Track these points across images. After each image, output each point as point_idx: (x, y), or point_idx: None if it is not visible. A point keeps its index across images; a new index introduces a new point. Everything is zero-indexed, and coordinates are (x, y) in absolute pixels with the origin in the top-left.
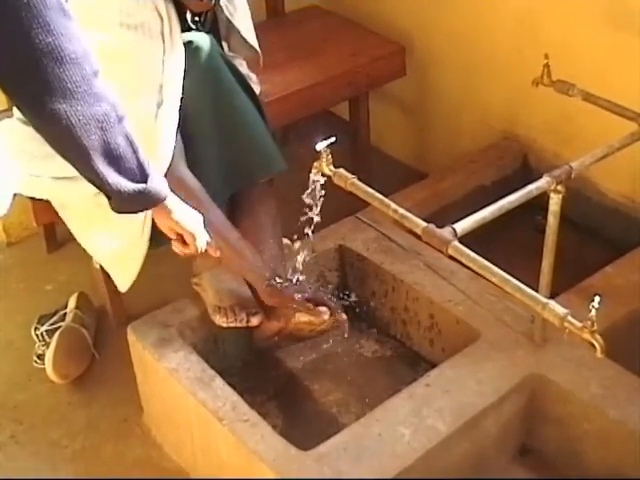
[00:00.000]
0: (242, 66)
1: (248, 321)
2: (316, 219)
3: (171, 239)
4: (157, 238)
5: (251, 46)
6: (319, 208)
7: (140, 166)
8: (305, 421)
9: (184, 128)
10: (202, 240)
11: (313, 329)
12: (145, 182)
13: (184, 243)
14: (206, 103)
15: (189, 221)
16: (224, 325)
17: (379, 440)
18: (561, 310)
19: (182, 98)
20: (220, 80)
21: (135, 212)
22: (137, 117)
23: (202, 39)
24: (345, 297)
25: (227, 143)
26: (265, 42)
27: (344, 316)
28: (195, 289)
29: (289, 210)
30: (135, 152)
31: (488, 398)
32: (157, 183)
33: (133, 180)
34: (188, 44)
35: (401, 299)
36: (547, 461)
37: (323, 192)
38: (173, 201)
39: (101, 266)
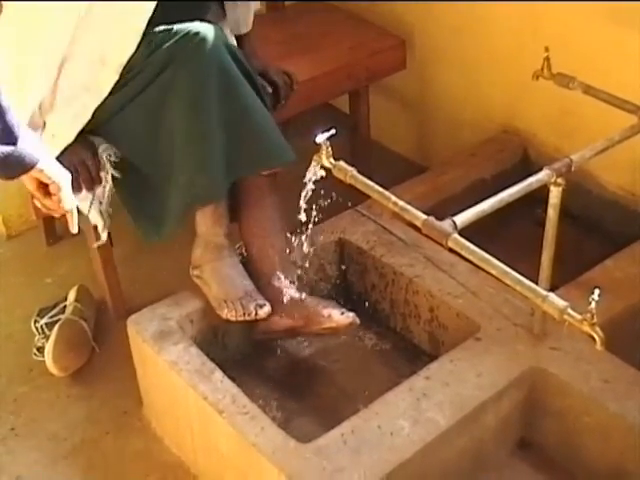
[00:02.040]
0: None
1: (257, 314)
2: (303, 218)
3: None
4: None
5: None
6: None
7: (8, 128)
8: (305, 414)
9: (191, 117)
10: (67, 195)
11: (333, 332)
12: (14, 144)
13: (47, 194)
14: (212, 93)
15: (55, 171)
16: (232, 319)
17: (379, 433)
18: (561, 303)
19: (190, 88)
20: (226, 70)
21: (12, 177)
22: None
23: (208, 29)
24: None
25: (234, 132)
26: (264, 35)
27: (358, 320)
28: (195, 281)
29: (288, 203)
30: (3, 115)
31: (487, 391)
32: (28, 146)
33: (1, 142)
34: (194, 35)
35: (401, 292)
36: (546, 454)
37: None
38: (44, 159)
39: (101, 258)
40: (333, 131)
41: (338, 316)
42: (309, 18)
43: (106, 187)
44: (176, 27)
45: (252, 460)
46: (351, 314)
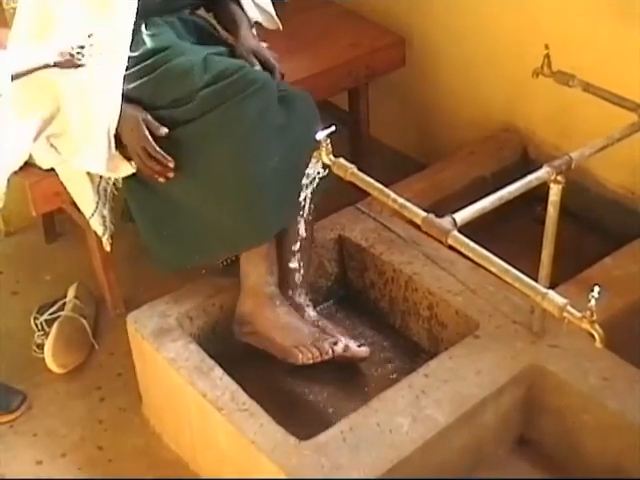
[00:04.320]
0: (265, 50)
1: (334, 351)
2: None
3: None
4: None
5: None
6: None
7: None
8: (304, 411)
9: (240, 161)
10: None
11: (341, 361)
12: None
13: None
14: (265, 137)
15: None
16: (311, 362)
17: (378, 430)
18: (560, 300)
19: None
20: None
21: None
22: None
23: (267, 81)
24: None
25: (283, 178)
26: (265, 32)
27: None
28: (246, 340)
29: None
30: None
31: (487, 389)
32: None
33: None
34: (254, 82)
35: (400, 290)
36: (545, 452)
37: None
38: None
39: (100, 255)
40: (333, 128)
41: (355, 348)
42: (309, 15)
43: (107, 190)
44: (233, 64)
45: (251, 457)
46: (366, 348)
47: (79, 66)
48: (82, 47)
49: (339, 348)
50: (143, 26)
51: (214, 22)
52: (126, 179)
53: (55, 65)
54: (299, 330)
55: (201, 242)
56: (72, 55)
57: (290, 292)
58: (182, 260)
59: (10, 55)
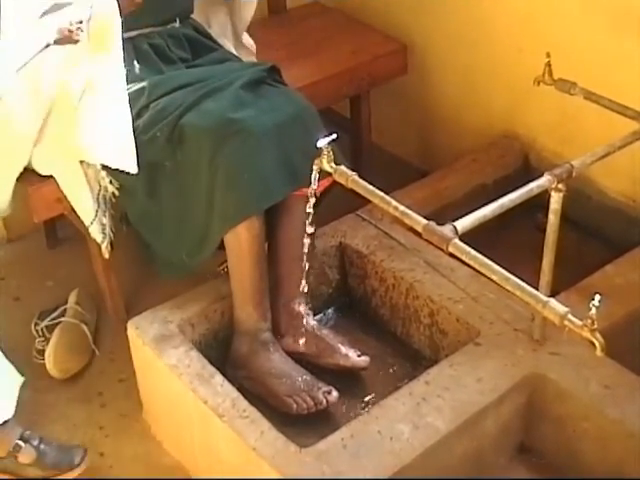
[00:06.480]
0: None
1: (327, 401)
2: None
3: None
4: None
5: None
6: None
7: None
8: (304, 418)
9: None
10: None
11: (342, 371)
12: None
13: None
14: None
15: None
16: (305, 413)
17: (378, 438)
18: (561, 308)
19: None
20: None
21: None
22: None
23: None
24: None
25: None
26: (266, 39)
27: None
28: (242, 385)
29: None
30: None
31: (487, 396)
32: None
33: None
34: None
35: (401, 297)
36: (546, 460)
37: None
38: None
39: (101, 261)
40: (334, 136)
41: (355, 357)
42: (311, 22)
43: (106, 198)
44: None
45: (252, 464)
46: (366, 358)
47: (77, 41)
48: (80, 22)
49: (333, 397)
50: (135, 61)
51: (203, 27)
52: (123, 186)
53: (55, 43)
54: (293, 379)
55: (199, 230)
56: (71, 31)
57: (289, 301)
58: (187, 260)
59: (7, 44)
